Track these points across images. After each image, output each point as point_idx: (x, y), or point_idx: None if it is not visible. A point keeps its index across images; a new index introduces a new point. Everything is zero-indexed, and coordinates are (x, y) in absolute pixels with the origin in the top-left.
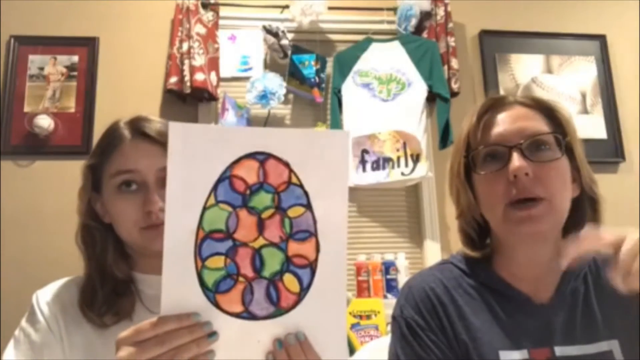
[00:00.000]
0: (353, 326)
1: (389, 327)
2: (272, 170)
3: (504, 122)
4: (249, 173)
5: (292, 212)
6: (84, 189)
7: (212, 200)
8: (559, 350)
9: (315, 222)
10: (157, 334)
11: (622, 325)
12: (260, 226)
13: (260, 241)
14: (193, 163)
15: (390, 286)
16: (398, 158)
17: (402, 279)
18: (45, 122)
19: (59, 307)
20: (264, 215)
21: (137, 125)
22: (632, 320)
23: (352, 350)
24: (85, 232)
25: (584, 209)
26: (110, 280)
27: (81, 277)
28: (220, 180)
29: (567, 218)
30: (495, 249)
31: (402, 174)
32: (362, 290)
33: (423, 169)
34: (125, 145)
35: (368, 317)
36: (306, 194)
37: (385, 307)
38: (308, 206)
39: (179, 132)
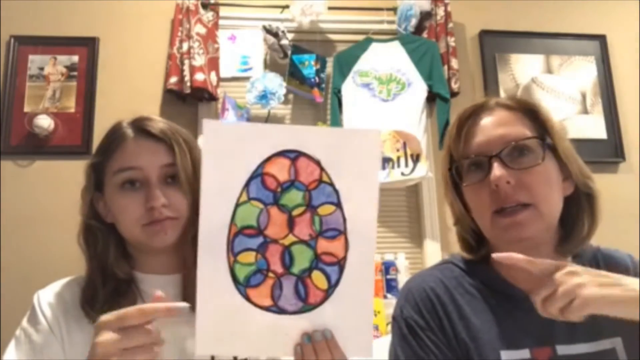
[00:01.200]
0: None
1: (389, 327)
2: (303, 168)
3: (485, 130)
4: (280, 171)
5: (322, 210)
6: (86, 189)
7: (244, 197)
8: (561, 349)
9: (345, 220)
10: (146, 321)
11: (625, 322)
12: (291, 223)
13: (290, 238)
14: (226, 160)
15: (390, 286)
16: (398, 158)
17: (402, 279)
18: (45, 122)
19: (61, 307)
20: (295, 212)
21: (139, 124)
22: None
23: None
24: (87, 232)
25: (581, 205)
26: (111, 280)
27: (82, 277)
28: (252, 178)
29: (565, 215)
30: (493, 250)
31: (402, 174)
32: None
33: (423, 169)
34: (127, 143)
35: None
36: (337, 192)
37: (385, 307)
38: (338, 205)
39: (213, 130)
